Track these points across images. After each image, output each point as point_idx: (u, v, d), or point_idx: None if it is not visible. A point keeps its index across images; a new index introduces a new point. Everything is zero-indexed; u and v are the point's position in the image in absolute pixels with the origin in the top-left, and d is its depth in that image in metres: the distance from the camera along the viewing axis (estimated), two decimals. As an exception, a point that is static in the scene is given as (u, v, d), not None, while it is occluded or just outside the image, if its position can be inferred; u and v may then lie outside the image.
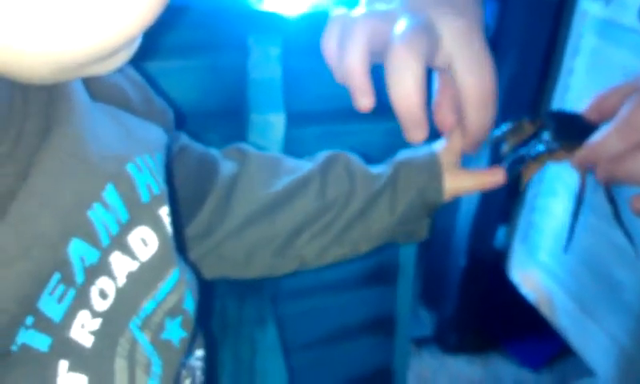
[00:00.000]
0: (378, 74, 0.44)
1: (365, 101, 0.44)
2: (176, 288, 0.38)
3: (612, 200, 0.54)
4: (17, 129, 0.30)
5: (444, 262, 1.26)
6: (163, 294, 0.38)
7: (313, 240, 0.55)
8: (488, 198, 1.20)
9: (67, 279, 0.31)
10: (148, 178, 0.36)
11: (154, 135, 0.39)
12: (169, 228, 0.38)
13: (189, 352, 0.42)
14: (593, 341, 0.94)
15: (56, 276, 0.30)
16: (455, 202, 1.15)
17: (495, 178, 0.54)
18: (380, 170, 0.56)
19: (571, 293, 0.99)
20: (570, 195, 0.98)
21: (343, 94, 0.76)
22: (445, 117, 0.51)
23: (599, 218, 0.90)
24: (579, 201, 0.56)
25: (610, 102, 0.49)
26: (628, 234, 0.57)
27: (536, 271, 1.07)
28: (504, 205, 1.16)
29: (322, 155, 0.57)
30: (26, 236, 0.28)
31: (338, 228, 0.55)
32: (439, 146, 0.56)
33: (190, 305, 0.40)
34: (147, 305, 0.37)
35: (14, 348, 0.29)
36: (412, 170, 0.55)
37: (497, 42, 1.06)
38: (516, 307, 1.11)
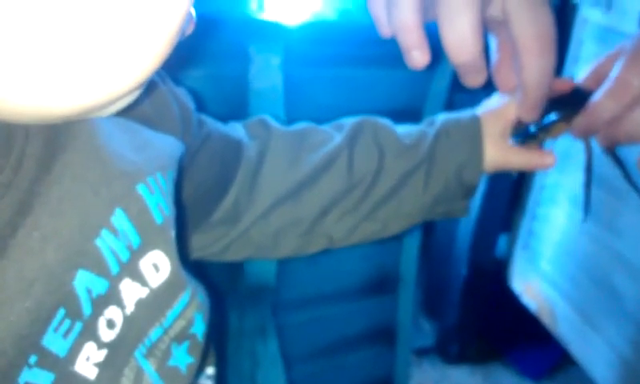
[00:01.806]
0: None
1: (420, 56, 0.41)
2: (184, 313, 0.37)
3: (619, 162, 0.53)
4: (17, 153, 0.28)
5: (445, 271, 1.25)
6: (170, 320, 0.36)
7: (341, 219, 0.52)
8: (489, 206, 1.20)
9: (73, 313, 0.29)
10: (159, 198, 0.34)
11: (168, 149, 0.37)
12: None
13: (198, 372, 0.40)
14: (594, 351, 0.94)
15: (61, 311, 0.29)
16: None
17: (547, 160, 0.52)
18: (416, 137, 0.52)
19: (572, 302, 0.99)
20: (570, 203, 0.98)
21: (344, 102, 0.76)
22: (506, 76, 0.48)
23: (600, 226, 0.90)
24: (588, 170, 0.55)
25: (605, 68, 0.48)
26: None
27: (537, 280, 1.07)
28: (505, 213, 1.16)
29: (349, 124, 0.53)
30: (27, 273, 0.27)
31: (367, 207, 0.52)
32: (488, 110, 0.53)
33: (199, 328, 0.38)
34: (153, 332, 0.35)
35: None
36: (451, 144, 0.51)
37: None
38: (517, 317, 1.10)
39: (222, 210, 0.50)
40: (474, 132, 0.51)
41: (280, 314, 0.78)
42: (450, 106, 0.79)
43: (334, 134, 0.53)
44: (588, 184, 0.56)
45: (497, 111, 0.52)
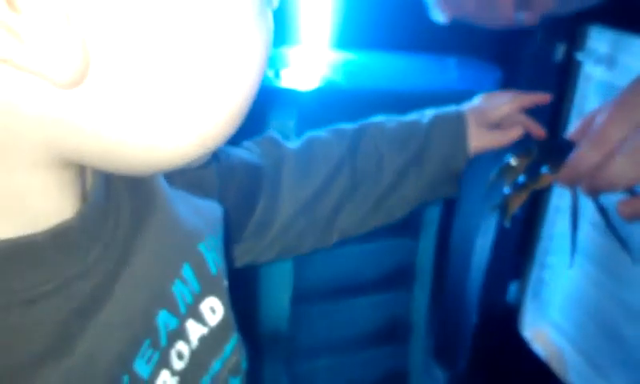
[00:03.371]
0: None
1: None
2: (236, 350, 0.43)
3: (601, 209, 0.57)
4: (114, 220, 0.35)
5: (456, 318, 1.26)
6: (227, 354, 0.42)
7: (351, 215, 0.62)
8: (499, 254, 1.21)
9: (155, 344, 0.36)
10: (214, 254, 0.42)
11: (214, 213, 0.44)
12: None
13: None
14: (604, 399, 0.94)
15: (147, 341, 0.35)
16: (466, 259, 1.17)
17: (513, 133, 0.61)
18: (409, 133, 0.62)
19: (582, 351, 1.00)
20: (578, 253, 0.99)
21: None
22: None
23: (605, 274, 0.91)
24: (574, 215, 0.59)
25: (592, 121, 0.52)
26: (621, 240, 0.59)
27: (547, 328, 1.08)
28: (515, 261, 1.18)
29: (349, 133, 0.62)
30: (129, 309, 0.34)
31: (373, 201, 0.62)
32: (473, 106, 0.63)
33: (245, 366, 0.45)
34: (215, 364, 0.41)
35: None
36: (440, 139, 0.61)
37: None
38: (529, 364, 1.11)
39: (250, 229, 0.58)
40: (459, 129, 0.61)
41: (293, 363, 0.81)
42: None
43: (336, 144, 0.62)
44: (574, 228, 0.60)
45: (480, 108, 0.63)
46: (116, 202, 0.36)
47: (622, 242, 0.60)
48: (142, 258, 0.35)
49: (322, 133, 0.63)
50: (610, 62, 0.93)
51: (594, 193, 0.53)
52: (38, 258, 0.30)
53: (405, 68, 0.92)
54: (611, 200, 0.54)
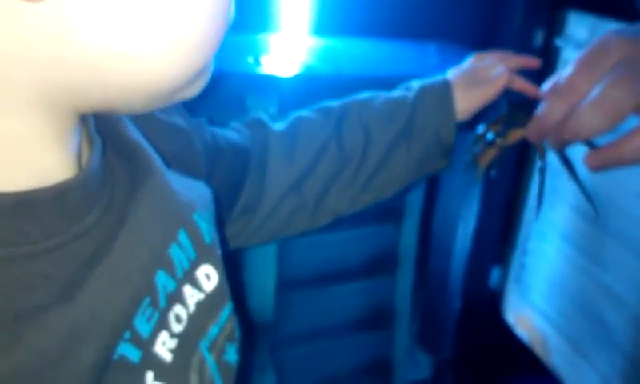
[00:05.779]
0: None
1: None
2: (231, 317, 0.44)
3: (566, 162, 0.58)
4: (111, 184, 0.37)
5: (440, 304, 1.27)
6: (223, 320, 0.43)
7: (340, 195, 0.61)
8: (481, 239, 1.22)
9: (154, 303, 0.37)
10: (207, 226, 0.43)
11: (204, 191, 0.45)
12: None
13: None
14: (586, 381, 0.96)
15: (147, 299, 0.36)
16: (449, 244, 1.18)
17: (498, 85, 0.60)
18: (395, 105, 0.61)
19: (564, 334, 1.01)
20: (559, 237, 1.00)
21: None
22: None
23: (587, 259, 0.93)
24: (542, 172, 0.60)
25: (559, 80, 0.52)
26: (586, 193, 0.61)
27: (529, 312, 1.09)
28: (497, 246, 1.19)
29: (335, 110, 0.62)
30: (128, 266, 0.35)
31: (362, 179, 0.61)
32: (459, 70, 0.62)
33: (239, 335, 0.45)
34: (212, 329, 0.42)
35: (114, 357, 0.34)
36: (427, 110, 0.60)
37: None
38: (512, 348, 1.12)
39: (238, 210, 0.59)
40: (446, 96, 0.61)
41: (278, 350, 0.81)
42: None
43: (322, 123, 0.61)
44: (542, 185, 0.60)
45: (468, 69, 0.62)
46: (112, 168, 0.38)
47: (587, 196, 0.61)
48: (139, 220, 0.36)
49: (307, 112, 0.62)
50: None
51: (561, 146, 0.53)
52: (39, 214, 0.31)
53: (384, 54, 0.92)
54: (576, 155, 0.55)
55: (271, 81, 0.74)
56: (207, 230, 0.42)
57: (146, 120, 0.44)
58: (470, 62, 0.65)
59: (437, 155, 0.62)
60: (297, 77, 0.75)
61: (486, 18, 1.03)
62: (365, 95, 0.63)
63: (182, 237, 0.40)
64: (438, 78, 0.62)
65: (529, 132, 0.54)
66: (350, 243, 0.93)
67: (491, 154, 0.58)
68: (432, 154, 0.61)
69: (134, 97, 0.33)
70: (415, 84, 0.63)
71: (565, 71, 0.50)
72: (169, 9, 0.30)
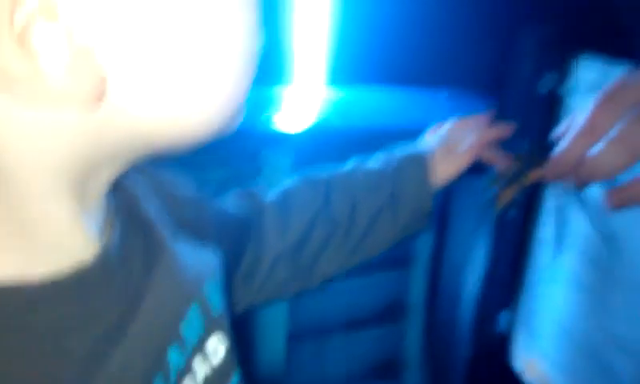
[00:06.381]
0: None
1: None
2: None
3: (583, 202, 0.59)
4: (129, 262, 0.38)
5: (448, 352, 1.27)
6: None
7: (330, 259, 0.66)
8: (490, 284, 1.22)
9: (166, 378, 0.38)
10: (216, 296, 0.45)
11: (213, 260, 0.47)
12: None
13: None
14: (595, 430, 0.95)
15: (160, 374, 0.38)
16: (457, 290, 1.19)
17: (469, 157, 0.65)
18: (378, 176, 0.66)
19: (573, 381, 1.00)
20: (566, 283, 1.01)
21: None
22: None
23: (594, 304, 0.93)
24: (561, 211, 0.60)
25: (573, 121, 0.54)
26: (602, 234, 0.61)
27: (538, 359, 1.09)
28: (506, 290, 1.19)
29: (321, 182, 0.67)
30: (144, 343, 0.36)
31: (351, 244, 0.66)
32: (437, 137, 0.67)
33: None
34: None
35: None
36: (406, 183, 0.65)
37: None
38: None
39: (238, 279, 0.62)
40: (423, 168, 0.66)
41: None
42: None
43: (311, 195, 0.66)
44: (560, 225, 0.61)
45: (442, 140, 0.67)
46: (129, 245, 0.39)
47: (604, 236, 0.62)
48: (152, 299, 0.38)
49: (297, 183, 0.67)
50: (599, 90, 0.95)
51: (580, 185, 0.54)
52: (60, 300, 0.32)
53: (396, 104, 0.95)
54: (595, 194, 0.56)
55: (286, 136, 0.76)
56: (216, 299, 0.44)
57: (158, 193, 0.46)
58: (448, 129, 0.69)
59: (417, 219, 0.68)
60: (310, 131, 0.78)
61: (497, 62, 1.05)
62: (350, 166, 0.69)
63: (193, 311, 0.41)
64: (416, 148, 0.66)
65: (548, 171, 0.55)
66: (358, 291, 0.94)
67: (510, 193, 0.60)
68: (413, 219, 0.67)
69: (179, 148, 0.36)
70: (397, 153, 0.69)
71: (582, 112, 0.51)
72: (210, 70, 0.33)
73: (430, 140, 0.70)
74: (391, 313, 1.00)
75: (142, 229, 0.41)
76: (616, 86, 0.50)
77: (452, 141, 0.69)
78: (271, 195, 0.66)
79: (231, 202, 0.64)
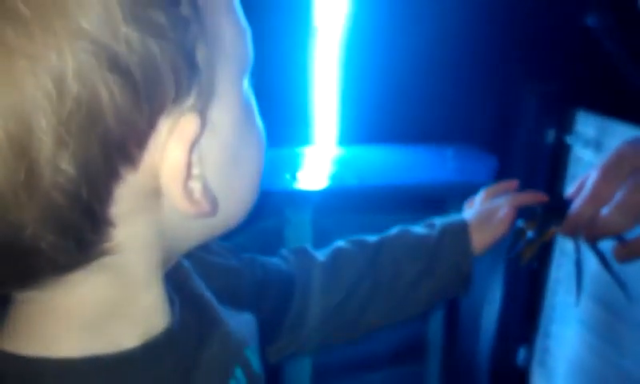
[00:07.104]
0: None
1: None
2: None
3: (598, 253, 0.66)
4: (187, 333, 0.43)
5: (467, 388, 1.28)
6: None
7: (373, 316, 0.70)
8: (507, 322, 1.25)
9: None
10: (255, 357, 0.50)
11: (251, 324, 0.54)
12: None
13: None
14: None
15: None
16: (475, 328, 1.22)
17: (506, 224, 0.69)
18: (421, 244, 0.71)
19: (587, 419, 1.02)
20: (578, 322, 1.03)
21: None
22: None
23: (605, 343, 0.95)
24: (578, 264, 0.67)
25: (584, 182, 0.61)
26: (619, 280, 0.68)
27: (554, 396, 1.10)
28: (522, 328, 1.21)
29: (371, 245, 0.71)
30: None
31: (391, 306, 0.71)
32: (476, 211, 0.72)
33: None
34: None
35: None
36: (448, 251, 0.70)
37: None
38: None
39: (285, 329, 0.67)
40: (464, 237, 0.71)
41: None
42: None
43: (359, 257, 0.71)
44: (579, 274, 0.68)
45: (479, 212, 0.72)
46: (186, 318, 0.44)
47: (620, 283, 0.69)
48: (206, 366, 0.43)
49: (346, 245, 0.73)
50: (597, 145, 0.98)
51: (593, 240, 0.63)
52: (138, 370, 0.38)
53: (405, 161, 1.01)
54: (607, 246, 0.64)
55: (306, 195, 0.83)
56: (255, 360, 0.49)
57: (204, 267, 0.53)
58: (480, 200, 0.75)
59: (458, 284, 0.72)
60: (328, 190, 0.85)
61: (500, 119, 1.11)
62: (395, 231, 0.74)
63: (238, 372, 0.46)
64: (456, 219, 0.73)
65: (564, 229, 0.63)
66: (379, 331, 0.99)
67: (531, 250, 0.68)
68: (453, 284, 0.72)
69: (216, 233, 0.44)
70: (438, 222, 0.73)
71: (589, 178, 0.59)
72: (252, 176, 0.43)
73: (467, 213, 0.75)
74: (410, 352, 1.04)
75: (197, 303, 0.46)
76: (614, 157, 0.59)
77: (486, 210, 0.74)
78: (322, 254, 0.71)
79: (284, 257, 0.70)
